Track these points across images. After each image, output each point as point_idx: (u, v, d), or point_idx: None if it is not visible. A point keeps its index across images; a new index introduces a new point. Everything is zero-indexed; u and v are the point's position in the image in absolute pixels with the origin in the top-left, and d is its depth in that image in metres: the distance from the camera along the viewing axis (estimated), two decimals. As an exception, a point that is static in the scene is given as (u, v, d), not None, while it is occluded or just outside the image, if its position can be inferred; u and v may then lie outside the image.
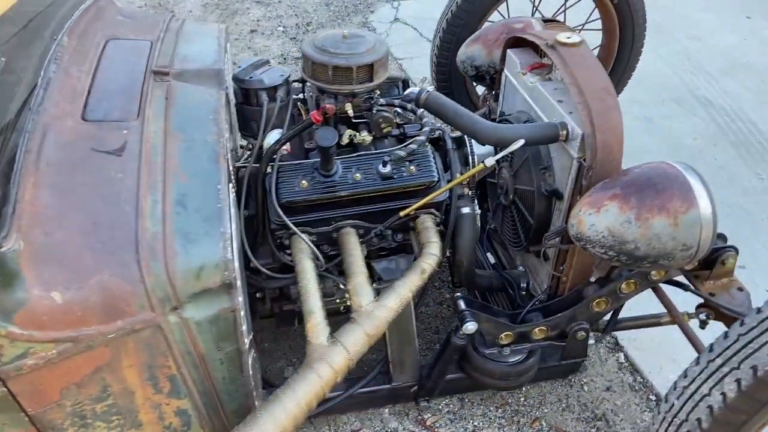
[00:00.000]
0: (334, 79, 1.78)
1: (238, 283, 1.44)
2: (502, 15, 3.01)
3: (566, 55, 1.91)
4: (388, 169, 1.75)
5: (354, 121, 1.85)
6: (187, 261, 1.35)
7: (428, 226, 1.82)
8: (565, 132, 1.84)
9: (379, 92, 1.95)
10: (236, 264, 1.42)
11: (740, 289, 1.96)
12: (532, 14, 3.03)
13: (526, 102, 2.12)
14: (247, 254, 1.78)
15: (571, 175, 1.87)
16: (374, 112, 1.83)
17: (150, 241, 1.34)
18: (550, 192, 1.97)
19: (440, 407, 2.12)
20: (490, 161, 1.73)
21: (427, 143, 1.85)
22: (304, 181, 1.73)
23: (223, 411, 1.60)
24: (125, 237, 1.33)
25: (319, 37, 1.82)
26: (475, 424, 2.08)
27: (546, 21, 2.85)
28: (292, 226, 1.72)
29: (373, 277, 1.94)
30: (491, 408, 2.13)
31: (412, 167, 1.79)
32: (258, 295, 1.94)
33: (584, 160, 1.80)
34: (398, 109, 1.90)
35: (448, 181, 1.88)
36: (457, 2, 2.81)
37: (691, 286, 1.97)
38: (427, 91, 1.94)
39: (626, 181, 1.67)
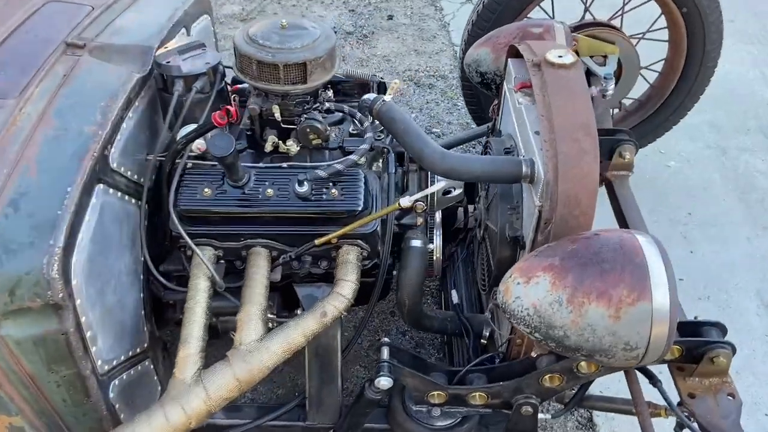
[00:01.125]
0: (260, 76, 1.54)
1: (75, 302, 1.26)
2: (546, 13, 2.63)
3: (549, 77, 1.56)
4: (305, 188, 1.50)
5: (283, 126, 1.60)
6: (-1, 274, 1.18)
7: (348, 260, 1.56)
8: (529, 172, 1.51)
9: (328, 94, 1.69)
10: (69, 282, 1.24)
11: (731, 395, 1.57)
12: (583, 15, 2.62)
13: (513, 125, 1.78)
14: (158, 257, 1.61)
15: (532, 224, 1.54)
16: (302, 119, 1.57)
17: (-39, 244, 1.18)
18: (512, 238, 1.65)
19: (360, 455, 1.88)
20: (404, 201, 1.44)
21: (361, 163, 1.58)
22: (207, 189, 1.51)
23: (70, 432, 1.44)
24: (-63, 236, 1.18)
25: (256, 25, 1.57)
26: (393, 483, 1.82)
27: (593, 25, 2.45)
28: (186, 237, 1.51)
29: (296, 303, 1.71)
30: (417, 469, 1.86)
31: (334, 190, 1.52)
32: (171, 301, 1.75)
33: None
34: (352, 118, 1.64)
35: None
36: (489, -7, 2.46)
37: (670, 380, 1.60)
38: (383, 100, 1.65)
39: (570, 251, 1.33)
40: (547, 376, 1.63)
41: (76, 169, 1.30)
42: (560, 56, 1.57)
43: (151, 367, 1.67)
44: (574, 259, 1.30)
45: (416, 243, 1.71)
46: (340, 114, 1.70)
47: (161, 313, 1.71)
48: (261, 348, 1.45)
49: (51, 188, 1.27)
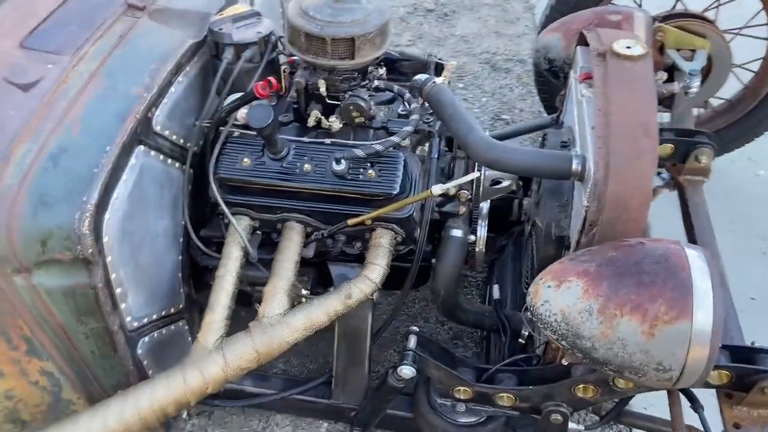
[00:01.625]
0: (308, 49, 1.51)
1: (105, 259, 1.29)
2: (634, 0, 2.46)
3: (613, 69, 1.45)
4: (342, 167, 1.46)
5: (328, 102, 1.57)
6: (32, 225, 1.22)
7: (380, 243, 1.53)
8: (579, 168, 1.41)
9: (380, 72, 1.64)
10: (100, 239, 1.26)
11: (782, 431, 1.44)
12: (674, 5, 2.44)
13: (574, 118, 1.68)
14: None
15: (578, 225, 1.45)
16: (347, 96, 1.54)
17: (1, 192, 1.22)
18: (558, 237, 1.56)
19: (380, 439, 1.86)
20: (436, 189, 1.38)
21: (404, 145, 1.53)
22: (246, 159, 1.51)
23: (99, 383, 1.49)
24: (-23, 182, 1.23)
25: (312, -4, 1.54)
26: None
27: (683, 16, 2.27)
28: (222, 204, 1.51)
29: (330, 281, 1.69)
30: (437, 461, 1.82)
31: (371, 171, 1.48)
32: (209, 266, 1.78)
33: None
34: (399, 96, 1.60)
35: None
36: (570, -26, 2.33)
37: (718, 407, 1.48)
38: (433, 82, 1.60)
39: (609, 258, 1.23)
40: (581, 386, 1.55)
41: (117, 129, 1.32)
42: (628, 47, 1.46)
43: (186, 328, 1.70)
44: (611, 267, 1.21)
45: (456, 233, 1.65)
46: (390, 93, 1.65)
47: (200, 277, 1.73)
48: (283, 323, 1.44)
49: (91, 146, 1.29)
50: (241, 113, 1.54)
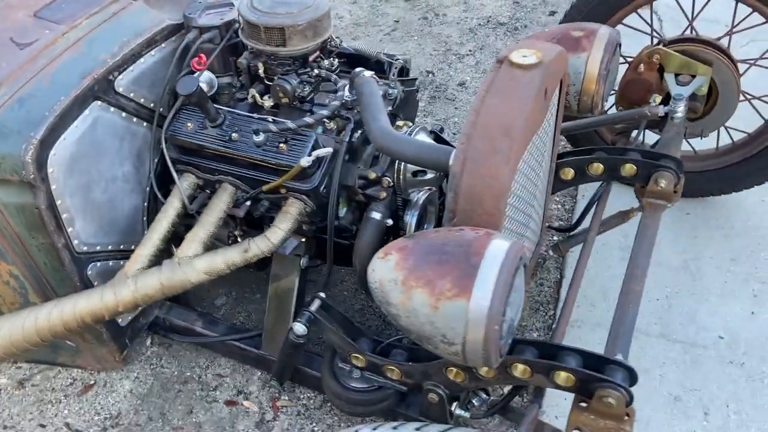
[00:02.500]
0: (250, 35, 1.74)
1: (50, 186, 1.62)
2: (646, 21, 2.43)
3: (501, 74, 1.54)
4: (260, 138, 1.69)
5: (266, 83, 1.79)
6: (-10, 149, 1.56)
7: (288, 210, 1.73)
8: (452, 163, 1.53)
9: (327, 63, 1.85)
10: (43, 168, 1.59)
11: (623, 443, 1.45)
12: (685, 30, 2.38)
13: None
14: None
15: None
16: (276, 79, 1.75)
17: (-28, 121, 1.58)
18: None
19: (300, 397, 2.04)
20: (305, 161, 1.55)
21: (330, 128, 1.72)
22: (191, 124, 1.78)
23: (54, 292, 1.83)
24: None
25: (262, -13, 1.78)
26: (316, 427, 1.96)
27: (689, 41, 2.24)
28: (168, 161, 1.80)
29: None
30: (342, 424, 1.98)
31: (283, 145, 1.69)
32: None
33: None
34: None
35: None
36: (576, -3, 2.37)
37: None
38: (363, 74, 1.78)
39: (428, 238, 1.35)
40: (452, 370, 1.64)
41: (75, 85, 1.65)
42: (524, 56, 1.55)
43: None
44: (424, 245, 1.33)
45: (374, 215, 1.81)
46: (341, 82, 1.84)
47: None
48: (188, 264, 1.69)
49: (51, 96, 1.62)
50: (195, 85, 1.81)
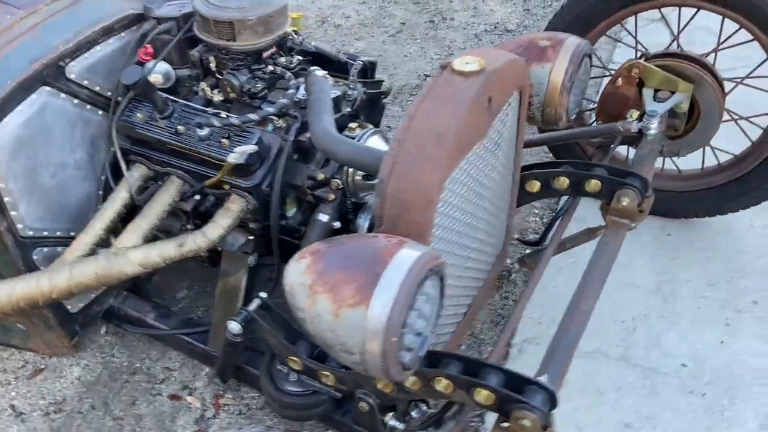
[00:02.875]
0: (202, 28, 1.73)
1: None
2: (631, 34, 2.35)
3: (441, 80, 1.50)
4: (204, 132, 1.67)
5: (217, 77, 1.78)
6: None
7: (229, 207, 1.71)
8: (384, 167, 1.49)
9: (283, 60, 1.83)
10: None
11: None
12: (669, 44, 2.30)
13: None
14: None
15: (375, 220, 1.53)
16: (224, 73, 1.74)
17: None
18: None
19: (244, 396, 2.02)
20: (232, 157, 1.53)
21: (279, 126, 1.70)
22: (140, 114, 1.77)
23: (1, 275, 1.84)
24: None
25: (221, -19, 1.76)
26: (254, 428, 1.94)
27: (673, 56, 2.16)
28: (118, 151, 1.79)
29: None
30: (281, 427, 1.95)
31: (225, 140, 1.67)
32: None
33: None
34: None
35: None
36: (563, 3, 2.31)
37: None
38: (315, 74, 1.75)
39: (342, 243, 1.31)
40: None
41: (23, 70, 1.65)
42: (467, 63, 1.50)
43: (100, 252, 2.01)
44: (336, 250, 1.30)
45: (321, 217, 1.78)
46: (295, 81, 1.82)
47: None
48: (124, 255, 1.68)
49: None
50: (153, 77, 1.80)
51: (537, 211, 2.68)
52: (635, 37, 2.33)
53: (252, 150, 1.59)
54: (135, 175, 1.84)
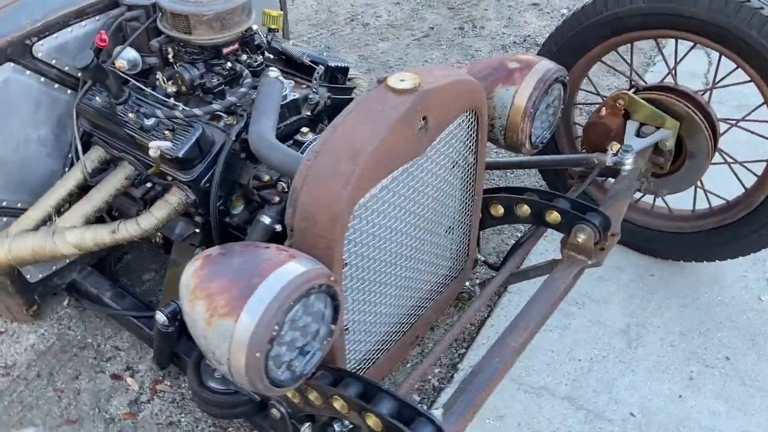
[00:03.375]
0: (162, 19, 1.75)
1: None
2: (626, 61, 2.24)
3: (371, 96, 1.47)
4: (150, 122, 1.69)
5: (175, 68, 1.79)
6: None
7: (167, 199, 1.72)
8: (305, 176, 1.47)
9: (243, 56, 1.83)
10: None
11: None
12: (663, 78, 2.18)
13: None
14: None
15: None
16: (177, 65, 1.75)
17: None
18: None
19: (182, 385, 2.04)
20: (152, 150, 1.54)
21: (230, 123, 1.71)
22: (99, 98, 1.81)
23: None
24: None
25: (187, -22, 1.77)
26: (183, 419, 1.96)
27: (665, 90, 2.06)
28: (76, 131, 1.84)
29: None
30: (208, 421, 1.96)
31: (168, 132, 1.68)
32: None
33: (288, 215, 1.43)
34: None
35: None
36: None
37: None
38: (268, 74, 1.75)
39: (236, 250, 1.31)
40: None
41: (-13, 49, 1.71)
42: (402, 80, 1.46)
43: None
44: (227, 256, 1.29)
45: (263, 219, 1.77)
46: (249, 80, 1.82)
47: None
48: (61, 234, 1.72)
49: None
50: (118, 63, 1.83)
51: (508, 233, 2.59)
52: (630, 66, 2.22)
53: (165, 146, 1.59)
54: (92, 156, 1.88)
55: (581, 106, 3.00)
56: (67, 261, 2.12)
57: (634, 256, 2.46)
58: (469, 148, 1.80)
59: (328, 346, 1.38)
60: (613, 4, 2.04)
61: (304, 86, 1.91)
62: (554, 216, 1.89)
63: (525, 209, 1.95)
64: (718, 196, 2.23)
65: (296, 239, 1.42)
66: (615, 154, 1.99)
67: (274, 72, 1.74)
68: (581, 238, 1.83)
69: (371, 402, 1.42)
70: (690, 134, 2.05)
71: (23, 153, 1.88)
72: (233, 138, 1.69)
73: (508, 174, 2.82)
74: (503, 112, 1.82)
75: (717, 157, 2.15)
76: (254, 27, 1.86)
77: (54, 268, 2.12)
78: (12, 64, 1.77)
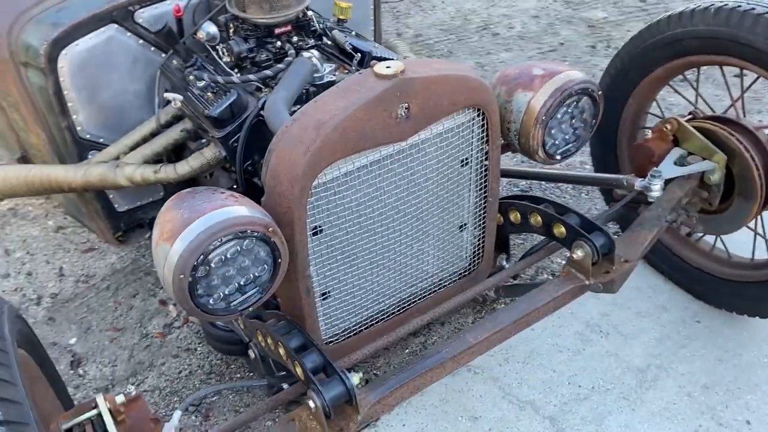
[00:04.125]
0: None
1: (57, 75, 2.10)
2: (695, 89, 2.10)
3: (356, 77, 1.60)
4: (200, 84, 1.96)
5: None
6: (26, 38, 2.09)
7: (203, 152, 1.97)
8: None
9: (294, 38, 2.04)
10: (54, 61, 2.07)
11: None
12: (726, 109, 2.01)
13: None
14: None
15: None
16: (229, 39, 2.00)
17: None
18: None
19: (209, 320, 2.31)
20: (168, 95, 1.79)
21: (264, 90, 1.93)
22: (175, 61, 2.12)
23: (65, 161, 2.35)
24: None
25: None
26: (200, 348, 2.21)
27: (725, 122, 1.93)
28: (157, 83, 2.18)
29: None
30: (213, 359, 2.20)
31: (210, 94, 1.94)
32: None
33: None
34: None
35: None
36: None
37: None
38: (303, 54, 1.94)
39: (208, 189, 1.51)
40: (259, 333, 1.78)
41: (98, 7, 2.10)
42: (387, 67, 1.57)
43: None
44: (188, 197, 1.50)
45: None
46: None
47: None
48: (120, 168, 2.05)
49: (78, 10, 2.09)
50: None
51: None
52: (696, 91, 2.09)
53: (178, 98, 1.85)
54: (167, 110, 2.19)
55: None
56: (151, 199, 2.49)
57: (685, 298, 2.30)
58: (479, 148, 1.85)
59: (268, 292, 1.53)
60: (675, 25, 1.95)
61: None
62: (561, 230, 1.87)
63: (538, 219, 1.94)
64: (778, 247, 2.02)
65: (266, 196, 1.60)
66: (644, 178, 1.91)
67: (309, 53, 1.92)
68: (577, 255, 1.79)
69: (302, 354, 1.56)
70: (741, 172, 1.90)
71: (120, 101, 2.26)
72: (260, 106, 1.90)
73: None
74: (518, 117, 1.84)
75: (779, 203, 1.95)
76: (309, 13, 2.06)
77: (139, 203, 2.49)
78: (116, 26, 2.15)
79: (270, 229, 1.45)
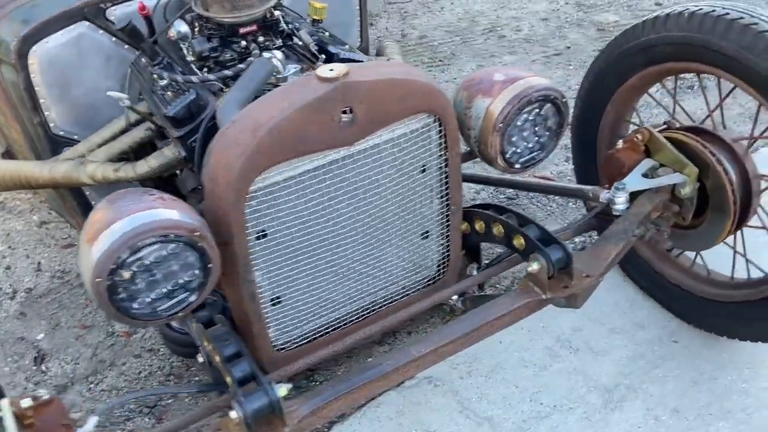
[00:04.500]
0: (195, -5, 2.01)
1: (28, 71, 2.11)
2: (672, 96, 2.01)
3: (299, 80, 1.57)
4: (163, 82, 1.95)
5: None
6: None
7: (163, 151, 1.95)
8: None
9: (260, 38, 2.01)
10: (24, 57, 2.08)
11: None
12: (703, 120, 1.90)
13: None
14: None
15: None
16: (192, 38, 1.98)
17: (-1, 13, 2.15)
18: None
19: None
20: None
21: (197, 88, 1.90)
22: (143, 59, 2.11)
23: (41, 157, 2.36)
24: None
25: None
26: (162, 349, 2.21)
27: (699, 132, 1.85)
28: (127, 81, 2.17)
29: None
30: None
31: (170, 93, 1.92)
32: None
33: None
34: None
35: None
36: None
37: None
38: (263, 54, 1.91)
39: (133, 192, 1.49)
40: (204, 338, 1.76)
41: (68, 4, 2.10)
42: (330, 70, 1.53)
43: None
44: (120, 198, 1.48)
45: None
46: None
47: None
48: (84, 166, 2.04)
49: (49, 7, 2.10)
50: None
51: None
52: (674, 99, 2.00)
53: (123, 97, 1.83)
54: (138, 107, 2.19)
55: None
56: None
57: (664, 316, 2.20)
58: (438, 155, 1.80)
59: (199, 298, 1.50)
60: (650, 30, 1.86)
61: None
62: (521, 241, 1.81)
63: (500, 229, 1.88)
64: (758, 267, 1.91)
65: (205, 197, 1.57)
66: (609, 190, 1.82)
67: (269, 54, 1.89)
68: (532, 267, 1.73)
69: (233, 362, 1.53)
70: (714, 185, 1.80)
71: (93, 98, 2.25)
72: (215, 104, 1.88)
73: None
74: (477, 123, 1.78)
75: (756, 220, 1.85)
76: (277, 12, 2.03)
77: (116, 200, 2.50)
78: (87, 23, 2.15)
79: (196, 233, 1.42)
